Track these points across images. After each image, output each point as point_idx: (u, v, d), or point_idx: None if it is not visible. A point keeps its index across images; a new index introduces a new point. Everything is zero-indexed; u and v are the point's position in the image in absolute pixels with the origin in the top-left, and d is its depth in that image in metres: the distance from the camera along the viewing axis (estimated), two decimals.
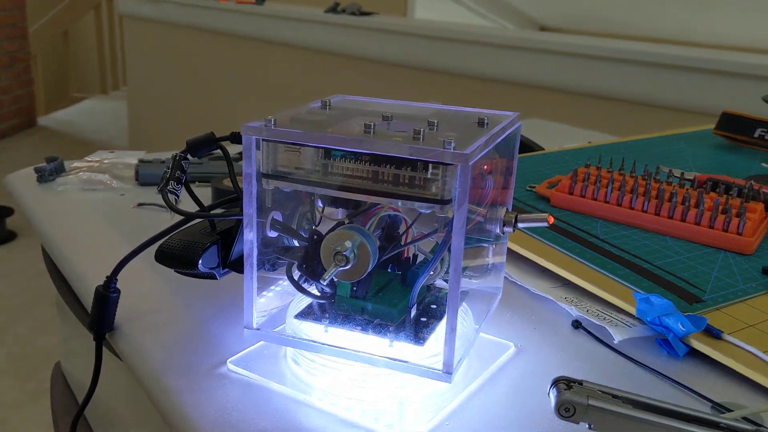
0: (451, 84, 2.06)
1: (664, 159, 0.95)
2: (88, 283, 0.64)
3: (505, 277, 0.66)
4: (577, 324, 0.58)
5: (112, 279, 0.56)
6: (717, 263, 0.66)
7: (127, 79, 3.54)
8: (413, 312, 0.46)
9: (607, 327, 0.56)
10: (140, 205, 0.82)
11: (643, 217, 0.72)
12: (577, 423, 0.39)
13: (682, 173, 0.79)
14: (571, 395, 0.38)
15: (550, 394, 0.39)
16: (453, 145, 0.40)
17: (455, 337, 0.43)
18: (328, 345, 0.46)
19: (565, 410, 0.38)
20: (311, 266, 0.47)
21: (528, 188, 0.82)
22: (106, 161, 0.95)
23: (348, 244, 0.43)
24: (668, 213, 0.71)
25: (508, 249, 0.69)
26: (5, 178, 0.93)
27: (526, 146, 0.98)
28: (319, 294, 0.48)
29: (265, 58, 2.68)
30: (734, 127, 0.99)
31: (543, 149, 0.99)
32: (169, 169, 0.50)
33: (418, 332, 0.46)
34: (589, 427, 0.39)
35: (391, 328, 0.47)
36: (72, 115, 5.36)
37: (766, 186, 0.75)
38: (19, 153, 4.29)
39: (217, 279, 0.52)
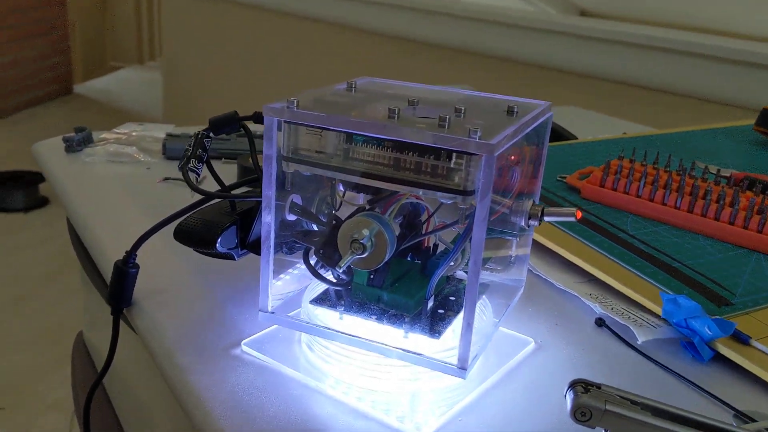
0: (487, 67, 2.03)
1: (700, 154, 0.93)
2: (108, 256, 0.63)
3: (529, 270, 0.65)
4: (600, 322, 0.57)
5: (131, 254, 0.56)
6: (749, 265, 0.64)
7: (163, 51, 3.54)
8: (430, 304, 0.45)
9: (631, 326, 0.55)
10: (166, 179, 0.82)
11: (676, 213, 0.70)
12: (593, 428, 0.38)
13: (718, 170, 0.76)
14: (588, 399, 0.37)
15: (567, 396, 0.38)
16: (479, 134, 0.39)
17: (471, 332, 0.42)
18: (342, 333, 0.45)
19: (582, 414, 0.37)
20: (328, 252, 0.46)
21: (559, 178, 0.80)
22: (134, 134, 0.95)
23: (365, 232, 0.42)
24: (701, 211, 0.69)
25: (534, 241, 0.68)
26: (33, 146, 0.94)
27: (559, 134, 0.96)
28: (335, 281, 0.47)
29: (302, 35, 2.66)
30: None
31: (576, 138, 0.97)
32: (190, 146, 0.50)
33: (434, 325, 0.45)
34: None
35: (406, 319, 0.46)
36: (108, 83, 5.41)
37: None
38: (54, 120, 4.34)
39: (235, 259, 0.51)
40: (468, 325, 0.42)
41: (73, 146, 0.90)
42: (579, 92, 1.83)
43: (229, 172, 0.83)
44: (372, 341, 0.45)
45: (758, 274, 0.62)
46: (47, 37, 4.56)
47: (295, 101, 0.43)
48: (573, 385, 0.39)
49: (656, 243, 0.66)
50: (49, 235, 2.72)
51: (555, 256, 0.66)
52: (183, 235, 0.50)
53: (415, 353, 0.44)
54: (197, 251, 0.51)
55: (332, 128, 0.42)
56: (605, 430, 0.37)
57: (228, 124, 0.51)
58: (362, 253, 0.42)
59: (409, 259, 0.50)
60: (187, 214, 0.51)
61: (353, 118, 0.41)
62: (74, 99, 4.87)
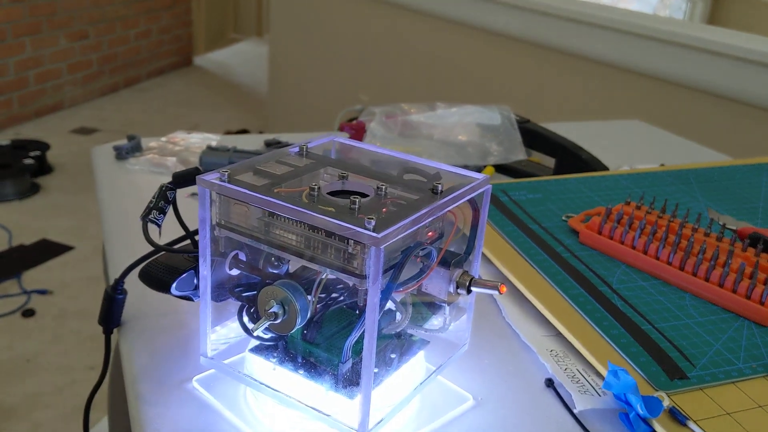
0: (591, 70, 1.98)
1: (733, 193, 0.89)
2: (117, 272, 0.70)
3: (501, 317, 0.66)
4: (549, 382, 0.58)
5: (119, 282, 0.62)
6: (728, 333, 0.62)
7: (270, 26, 3.64)
8: (347, 366, 0.48)
9: (572, 393, 0.55)
10: (193, 195, 0.88)
11: (667, 269, 0.69)
12: None
13: (725, 223, 0.74)
14: None
15: None
16: (372, 224, 0.41)
17: (369, 402, 0.45)
18: (267, 386, 0.49)
19: None
20: (257, 311, 0.49)
21: (564, 218, 0.80)
22: (180, 144, 1.01)
23: (273, 302, 0.45)
24: (692, 269, 0.68)
25: (514, 287, 0.69)
26: (91, 150, 1.02)
27: (588, 165, 0.95)
28: (265, 336, 0.50)
29: (406, 27, 2.67)
30: None
31: (606, 169, 0.96)
32: (154, 198, 0.54)
33: (352, 385, 0.48)
34: None
35: (328, 376, 0.49)
36: (227, 56, 5.62)
37: None
38: (172, 91, 4.57)
39: (193, 301, 0.56)
40: (366, 395, 0.45)
41: (122, 154, 0.97)
42: (680, 103, 1.76)
43: None
44: (289, 397, 0.48)
45: (733, 344, 0.61)
46: (171, 11, 4.79)
47: (227, 173, 0.47)
48: None
49: (636, 300, 0.66)
50: None
51: (530, 305, 0.67)
52: (144, 278, 0.55)
53: (323, 413, 0.47)
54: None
55: (252, 204, 0.45)
56: None
57: (191, 178, 0.55)
58: (274, 320, 0.46)
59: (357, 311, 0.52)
60: (155, 257, 0.56)
61: (271, 198, 0.45)
62: (193, 71, 5.11)
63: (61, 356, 2.00)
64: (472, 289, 0.50)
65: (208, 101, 4.43)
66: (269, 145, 1.05)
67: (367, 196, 0.47)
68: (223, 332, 0.54)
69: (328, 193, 0.47)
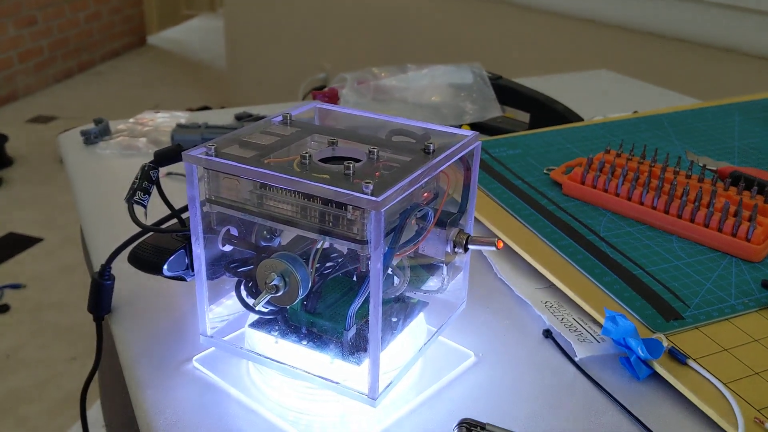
0: (535, 21, 1.97)
1: (707, 135, 0.90)
2: (100, 258, 0.68)
3: (493, 274, 0.67)
4: (547, 333, 0.58)
5: (106, 267, 0.60)
6: (717, 271, 0.63)
7: (223, 2, 3.57)
8: (350, 333, 0.48)
9: (572, 341, 0.56)
10: (168, 174, 0.86)
11: (652, 213, 0.70)
12: None
13: (705, 164, 0.75)
14: None
15: None
16: (370, 188, 0.41)
17: (378, 368, 0.45)
18: (271, 359, 0.49)
19: None
20: (257, 285, 0.49)
21: (545, 171, 0.80)
22: (149, 124, 0.99)
23: (274, 274, 0.44)
24: (677, 211, 0.68)
25: (504, 243, 0.69)
26: (58, 137, 0.99)
27: (563, 116, 0.95)
28: (265, 311, 0.50)
29: None
30: None
31: (581, 119, 0.96)
32: (137, 179, 0.53)
33: (357, 351, 0.48)
34: None
35: (332, 345, 0.48)
36: (181, 33, 5.51)
37: None
38: (129, 72, 4.48)
39: (186, 281, 0.55)
40: (374, 362, 0.45)
41: (90, 138, 0.95)
42: (632, 49, 1.76)
43: None
44: (295, 368, 0.48)
45: (723, 281, 0.62)
46: None
47: (214, 147, 0.46)
48: (459, 424, 0.41)
49: (624, 246, 0.66)
50: None
51: (522, 259, 0.67)
52: (135, 261, 0.54)
53: (330, 380, 0.47)
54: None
55: (243, 177, 0.45)
56: None
57: (172, 156, 0.54)
58: (276, 293, 0.45)
59: (354, 278, 0.52)
60: (142, 238, 0.55)
61: (262, 169, 0.44)
62: (148, 50, 5.00)
63: (41, 349, 1.97)
64: (469, 247, 0.50)
65: (166, 80, 4.35)
66: (240, 118, 1.03)
67: (360, 161, 0.46)
68: (218, 310, 0.54)
69: (319, 161, 0.46)
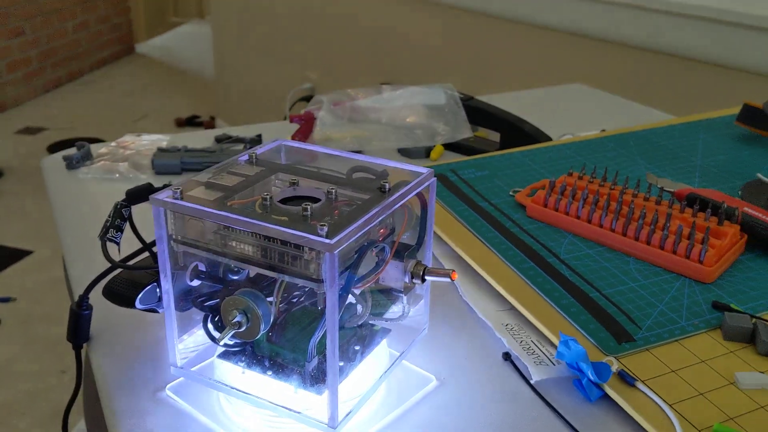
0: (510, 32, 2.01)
1: (672, 153, 0.93)
2: (80, 284, 0.71)
3: (458, 295, 0.69)
4: (506, 356, 0.61)
5: (84, 297, 0.63)
6: (670, 293, 0.66)
7: (211, 8, 3.59)
8: (312, 365, 0.50)
9: (528, 365, 0.59)
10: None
11: (610, 236, 0.73)
12: None
13: (662, 187, 0.78)
14: None
15: None
16: (325, 231, 0.43)
17: (336, 399, 0.47)
18: (237, 390, 0.51)
19: None
20: (222, 319, 0.51)
21: (511, 193, 0.83)
22: (130, 148, 1.01)
23: (236, 312, 0.47)
24: (634, 234, 0.71)
25: (468, 265, 0.72)
26: (41, 161, 1.02)
27: (532, 137, 0.98)
28: (231, 342, 0.52)
29: (350, 3, 2.66)
30: (755, 120, 0.95)
31: (549, 139, 0.99)
32: (110, 217, 0.56)
33: (319, 381, 0.51)
34: None
35: (295, 375, 0.51)
36: (169, 40, 5.53)
37: (750, 204, 0.74)
38: (117, 82, 4.50)
39: (159, 312, 0.58)
40: (333, 391, 0.47)
41: (72, 163, 0.97)
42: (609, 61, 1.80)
43: None
44: (259, 398, 0.50)
45: (676, 303, 0.65)
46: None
47: (180, 191, 0.48)
48: None
49: (583, 269, 0.69)
50: None
51: (486, 281, 0.70)
52: (109, 295, 0.56)
53: (294, 411, 0.49)
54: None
55: (208, 219, 0.47)
56: None
57: (145, 194, 0.56)
58: (239, 328, 0.48)
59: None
60: (116, 272, 0.57)
61: (224, 212, 0.46)
62: (137, 59, 5.02)
63: (32, 362, 1.99)
64: (426, 278, 0.53)
65: (155, 89, 4.37)
66: (220, 140, 1.06)
67: (319, 200, 0.49)
68: (190, 340, 0.56)
69: (280, 201, 0.49)
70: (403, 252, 0.53)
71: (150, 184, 0.57)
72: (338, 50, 2.75)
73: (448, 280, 0.52)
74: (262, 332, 0.48)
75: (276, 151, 0.59)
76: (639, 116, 1.21)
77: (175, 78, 4.63)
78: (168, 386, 0.57)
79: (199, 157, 0.97)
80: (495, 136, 1.03)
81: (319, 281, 0.45)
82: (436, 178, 0.54)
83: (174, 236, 0.50)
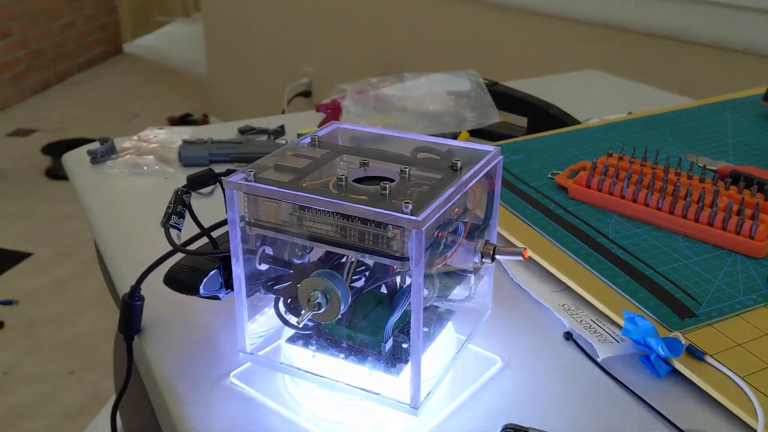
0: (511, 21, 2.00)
1: (702, 134, 0.93)
2: (124, 281, 0.70)
3: (510, 279, 0.69)
4: (568, 336, 0.61)
5: (135, 288, 0.62)
6: (723, 269, 0.66)
7: (201, 4, 3.56)
8: (388, 345, 0.50)
9: (593, 343, 0.58)
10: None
11: (657, 215, 0.72)
12: None
13: (705, 165, 0.78)
14: None
15: None
16: (410, 208, 0.43)
17: (419, 377, 0.47)
18: (310, 373, 0.51)
19: None
20: (295, 302, 0.51)
21: (550, 175, 0.82)
22: (153, 141, 1.00)
23: (318, 292, 0.46)
24: (682, 212, 0.71)
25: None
26: (63, 157, 1.00)
27: (560, 120, 0.97)
28: (301, 326, 0.52)
29: None
30: None
31: (578, 122, 0.98)
32: (171, 203, 0.55)
33: (395, 362, 0.50)
34: None
35: (370, 357, 0.50)
36: (156, 40, 5.50)
37: None
38: (107, 82, 4.46)
39: (220, 299, 0.57)
40: (415, 372, 0.47)
41: (97, 158, 0.96)
42: (616, 47, 1.80)
43: None
44: (335, 381, 0.50)
45: (731, 278, 0.65)
46: None
47: (253, 174, 0.47)
48: (503, 429, 0.43)
49: (634, 247, 0.69)
50: None
51: (536, 264, 0.69)
52: (171, 282, 0.55)
53: (371, 392, 0.49)
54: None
55: (283, 200, 0.46)
56: None
57: (205, 180, 0.56)
58: (319, 309, 0.47)
59: (383, 290, 0.54)
60: (171, 259, 0.56)
61: (302, 192, 0.46)
62: (125, 58, 4.98)
63: (38, 365, 1.97)
64: (497, 257, 0.52)
65: (145, 88, 4.34)
66: (243, 132, 1.05)
67: (392, 180, 0.48)
68: (253, 327, 0.55)
69: (353, 181, 0.48)
70: (472, 232, 0.52)
71: (211, 169, 0.56)
72: (335, 43, 2.74)
73: (521, 258, 0.51)
74: (341, 313, 0.48)
75: (333, 135, 0.58)
76: (656, 100, 1.21)
77: (164, 77, 4.59)
78: (232, 373, 0.56)
79: (226, 148, 0.96)
80: (521, 121, 1.03)
81: (404, 259, 0.44)
82: (502, 157, 0.53)
83: (248, 219, 0.49)
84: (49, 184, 3.05)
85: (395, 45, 2.46)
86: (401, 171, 0.49)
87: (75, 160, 0.98)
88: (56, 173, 3.10)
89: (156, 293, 0.63)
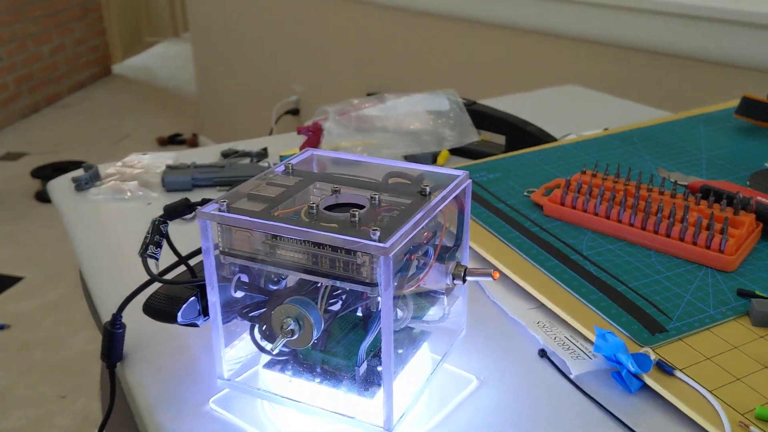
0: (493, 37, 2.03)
1: (676, 148, 0.95)
2: (106, 307, 0.71)
3: (486, 296, 0.70)
4: (542, 353, 0.62)
5: (117, 316, 0.63)
6: (695, 283, 0.68)
7: (190, 25, 3.58)
8: (362, 369, 0.51)
9: (566, 360, 0.60)
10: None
11: (630, 230, 0.74)
12: None
13: (676, 180, 0.79)
14: None
15: None
16: (377, 235, 0.44)
17: (392, 401, 0.48)
18: (287, 398, 0.52)
19: None
20: (270, 329, 0.52)
21: (525, 193, 0.84)
22: (138, 167, 1.01)
23: (290, 320, 0.48)
24: (654, 227, 0.73)
25: (492, 264, 0.72)
26: (47, 184, 1.01)
27: (537, 138, 0.99)
28: (276, 351, 0.53)
29: (331, 13, 2.67)
30: (755, 112, 0.97)
31: (554, 140, 1.00)
32: (148, 233, 0.56)
33: (370, 385, 0.51)
34: None
35: (345, 381, 0.51)
36: (146, 60, 5.51)
37: (761, 192, 0.75)
38: (96, 104, 4.47)
39: (198, 326, 0.58)
40: (388, 396, 0.48)
41: (81, 185, 0.97)
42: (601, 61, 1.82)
43: None
44: (310, 405, 0.51)
45: (701, 292, 0.66)
46: (83, 21, 4.67)
47: (226, 204, 0.49)
48: None
49: (607, 264, 0.70)
50: None
51: (512, 281, 0.71)
52: (149, 311, 0.56)
53: (346, 416, 0.50)
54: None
55: (256, 230, 0.48)
56: None
57: (181, 210, 0.57)
58: (292, 336, 0.48)
59: (358, 313, 0.55)
60: (150, 288, 0.58)
61: (273, 222, 0.47)
62: (114, 80, 5.00)
63: (31, 389, 1.97)
64: (468, 278, 0.54)
65: (135, 109, 4.36)
66: (227, 155, 1.06)
67: (362, 207, 0.50)
68: (231, 353, 0.56)
69: (324, 209, 0.50)
70: (443, 254, 0.54)
71: (187, 199, 0.57)
72: (323, 62, 2.76)
73: (490, 279, 0.53)
74: (314, 338, 0.49)
75: (308, 161, 0.59)
76: (634, 114, 1.23)
77: (153, 97, 4.61)
78: (211, 399, 0.57)
79: (209, 172, 0.97)
80: (499, 139, 1.04)
81: (374, 284, 0.46)
82: (471, 180, 0.55)
83: (221, 249, 0.50)
84: (38, 207, 3.06)
85: (383, 64, 2.48)
86: (371, 198, 0.50)
87: (60, 186, 0.99)
88: (46, 196, 3.10)
89: (138, 319, 0.64)
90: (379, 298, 0.46)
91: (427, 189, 0.51)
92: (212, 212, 0.48)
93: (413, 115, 1.04)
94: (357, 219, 0.47)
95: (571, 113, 1.28)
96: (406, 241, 0.45)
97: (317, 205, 0.48)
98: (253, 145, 1.11)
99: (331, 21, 2.66)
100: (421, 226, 0.47)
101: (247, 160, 1.05)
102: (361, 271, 0.46)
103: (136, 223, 0.89)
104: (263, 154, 1.06)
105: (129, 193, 0.95)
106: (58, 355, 2.10)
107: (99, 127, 4.05)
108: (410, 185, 0.53)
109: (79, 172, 0.99)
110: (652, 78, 1.64)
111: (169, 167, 0.98)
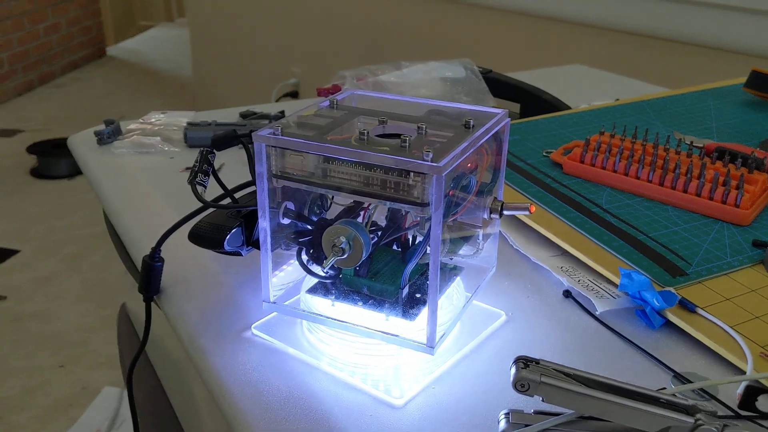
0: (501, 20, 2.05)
1: (687, 118, 0.98)
2: (138, 247, 0.73)
3: (508, 245, 0.73)
4: (567, 293, 0.64)
5: (156, 250, 0.65)
6: (711, 234, 0.70)
7: (186, 7, 3.58)
8: (405, 291, 0.53)
9: (592, 298, 0.62)
10: (186, 169, 0.91)
11: (648, 187, 0.76)
12: (532, 396, 0.45)
13: (692, 142, 0.82)
14: (526, 373, 0.45)
15: (511, 370, 0.46)
16: (430, 156, 0.46)
17: (436, 318, 0.50)
18: (332, 318, 0.54)
19: (521, 386, 0.45)
20: (317, 252, 0.54)
21: (544, 154, 0.86)
22: (158, 123, 1.03)
23: (343, 238, 0.50)
24: (671, 183, 0.75)
25: (516, 218, 0.75)
26: (68, 139, 1.03)
27: (552, 105, 1.02)
28: (324, 275, 0.55)
29: None
30: (763, 86, 1.00)
31: (569, 108, 1.03)
32: (197, 162, 0.58)
33: (411, 308, 0.53)
34: (542, 400, 0.45)
35: (387, 304, 0.54)
36: (139, 44, 5.50)
37: None
38: (90, 84, 4.45)
39: (242, 255, 0.60)
40: (432, 313, 0.50)
41: (104, 139, 0.98)
42: (603, 45, 1.85)
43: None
44: (356, 325, 0.53)
45: (717, 243, 0.69)
46: (77, 1, 4.64)
47: (280, 128, 0.51)
48: (516, 361, 0.46)
49: (626, 216, 0.73)
50: (94, 198, 2.86)
51: (533, 231, 0.73)
52: (195, 238, 0.58)
53: (391, 334, 0.52)
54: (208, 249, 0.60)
55: (311, 152, 0.50)
56: (542, 398, 0.45)
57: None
58: (342, 255, 0.50)
59: (395, 247, 0.58)
60: (201, 216, 0.59)
61: (328, 144, 0.49)
62: (108, 62, 4.98)
63: (26, 359, 1.98)
64: (504, 212, 0.56)
65: (129, 91, 4.34)
66: (245, 116, 1.08)
67: (409, 136, 0.52)
68: (273, 280, 0.58)
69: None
70: (482, 189, 0.56)
71: (234, 130, 0.59)
72: (322, 43, 2.78)
73: (527, 212, 0.55)
74: (362, 259, 0.51)
75: (348, 100, 0.61)
76: (642, 91, 1.26)
77: (148, 80, 4.60)
78: (254, 325, 0.59)
79: (229, 128, 0.98)
80: (514, 107, 1.07)
81: (425, 204, 0.48)
82: (509, 119, 0.57)
83: (274, 172, 0.52)
84: (34, 183, 3.05)
85: (383, 44, 2.50)
86: (418, 128, 0.52)
87: (81, 141, 1.01)
88: (41, 172, 3.10)
89: (172, 258, 0.66)
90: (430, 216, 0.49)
91: (471, 122, 0.53)
92: (268, 135, 0.50)
93: (429, 82, 1.06)
94: (408, 144, 0.49)
95: (580, 88, 1.30)
96: (457, 163, 0.47)
97: (368, 132, 0.50)
98: (271, 108, 1.13)
99: (330, 1, 2.67)
100: (469, 152, 0.49)
101: (266, 122, 1.06)
102: (413, 191, 0.48)
103: (161, 174, 0.90)
104: (281, 116, 1.08)
105: (152, 147, 0.96)
106: (53, 327, 2.10)
107: (93, 107, 4.04)
108: (452, 120, 0.55)
109: (100, 127, 1.00)
110: (656, 62, 1.67)
111: (190, 124, 1.00)
